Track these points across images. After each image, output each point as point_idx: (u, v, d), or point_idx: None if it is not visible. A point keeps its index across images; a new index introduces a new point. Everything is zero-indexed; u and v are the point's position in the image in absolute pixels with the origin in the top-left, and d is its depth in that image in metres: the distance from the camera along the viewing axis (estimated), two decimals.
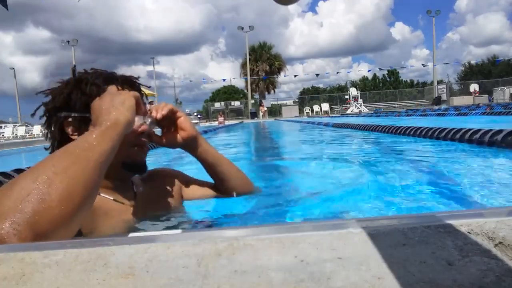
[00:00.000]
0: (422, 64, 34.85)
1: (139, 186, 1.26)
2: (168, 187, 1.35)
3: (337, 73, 38.11)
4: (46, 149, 1.16)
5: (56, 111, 1.12)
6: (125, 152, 1.09)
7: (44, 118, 1.16)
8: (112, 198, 1.12)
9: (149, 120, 1.16)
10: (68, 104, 1.10)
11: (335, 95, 41.50)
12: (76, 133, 1.10)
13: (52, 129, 1.14)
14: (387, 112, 22.19)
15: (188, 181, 1.46)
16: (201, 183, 1.48)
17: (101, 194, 1.08)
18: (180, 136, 1.28)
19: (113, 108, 0.94)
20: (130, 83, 1.19)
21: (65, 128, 1.11)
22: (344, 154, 4.69)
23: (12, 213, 0.69)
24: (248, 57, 38.52)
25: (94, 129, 0.91)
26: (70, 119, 1.11)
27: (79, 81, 1.11)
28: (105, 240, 0.72)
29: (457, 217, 0.70)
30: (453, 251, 0.56)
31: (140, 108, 1.09)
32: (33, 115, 1.19)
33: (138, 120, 1.10)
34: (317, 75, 36.16)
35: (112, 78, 1.15)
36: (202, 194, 1.44)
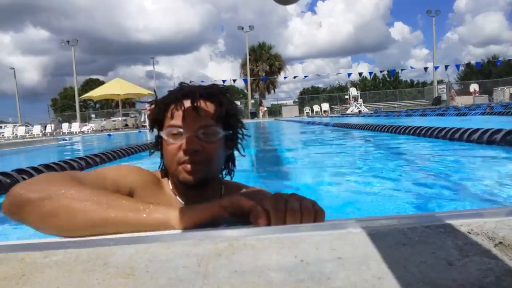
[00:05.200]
0: (424, 68, 34.62)
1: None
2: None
3: (337, 74, 37.84)
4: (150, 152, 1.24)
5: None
6: (174, 171, 1.10)
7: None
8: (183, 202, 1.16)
9: (189, 135, 1.08)
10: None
11: (335, 95, 41.47)
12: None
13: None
14: (387, 112, 22.17)
15: None
16: None
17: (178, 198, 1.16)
18: None
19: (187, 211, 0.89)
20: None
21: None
22: (343, 153, 4.69)
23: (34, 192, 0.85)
24: (248, 57, 38.50)
25: (153, 208, 0.87)
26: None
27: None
28: (105, 240, 0.72)
29: (457, 217, 0.70)
30: (453, 251, 0.56)
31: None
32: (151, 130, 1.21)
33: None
34: (317, 75, 36.04)
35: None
36: None
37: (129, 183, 1.10)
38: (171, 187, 1.19)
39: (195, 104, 1.09)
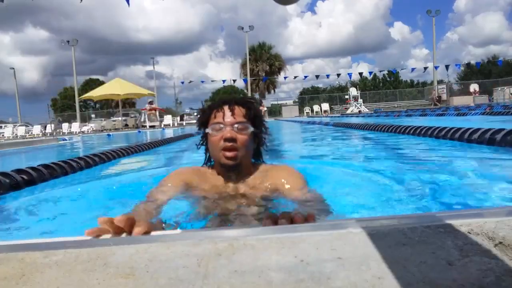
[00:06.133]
0: (424, 68, 34.43)
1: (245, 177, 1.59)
2: (266, 186, 1.58)
3: (338, 75, 37.41)
4: (197, 145, 1.69)
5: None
6: (217, 156, 1.53)
7: None
8: (218, 182, 1.58)
9: (227, 128, 1.48)
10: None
11: (335, 95, 41.42)
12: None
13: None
14: (387, 112, 22.14)
15: (294, 189, 1.51)
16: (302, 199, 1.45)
17: (211, 175, 1.60)
18: None
19: None
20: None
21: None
22: (343, 153, 4.70)
23: None
24: (248, 57, 38.47)
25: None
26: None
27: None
28: (105, 240, 0.72)
29: (457, 217, 0.70)
30: (453, 251, 0.56)
31: None
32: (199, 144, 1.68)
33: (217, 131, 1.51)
34: (317, 76, 35.80)
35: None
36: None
37: (181, 184, 1.55)
38: (213, 172, 1.61)
39: (232, 107, 1.52)
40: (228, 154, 1.48)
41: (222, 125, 1.50)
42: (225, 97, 1.63)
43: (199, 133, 1.64)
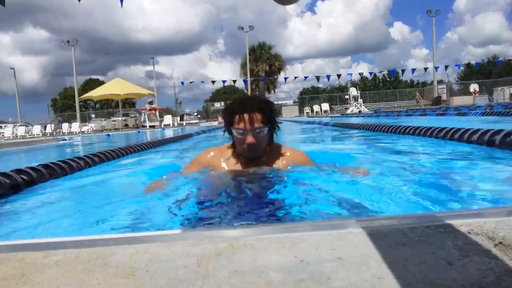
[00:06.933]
0: (424, 69, 34.31)
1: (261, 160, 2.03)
2: (278, 166, 2.02)
3: (338, 76, 37.16)
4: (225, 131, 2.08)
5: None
6: (242, 152, 1.95)
7: None
8: (239, 168, 2.03)
9: (249, 134, 1.87)
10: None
11: (335, 95, 41.42)
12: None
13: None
14: (387, 112, 22.09)
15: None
16: None
17: (229, 166, 2.04)
18: None
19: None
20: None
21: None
22: (342, 153, 4.69)
23: None
24: (248, 57, 38.43)
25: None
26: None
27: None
28: (105, 240, 0.72)
29: (457, 217, 0.70)
30: (453, 251, 0.56)
31: None
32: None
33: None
34: (317, 78, 35.62)
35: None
36: None
37: (203, 166, 2.10)
38: (233, 157, 2.06)
39: (251, 116, 1.87)
40: (251, 153, 1.93)
41: (243, 131, 1.88)
42: (244, 98, 2.01)
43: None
